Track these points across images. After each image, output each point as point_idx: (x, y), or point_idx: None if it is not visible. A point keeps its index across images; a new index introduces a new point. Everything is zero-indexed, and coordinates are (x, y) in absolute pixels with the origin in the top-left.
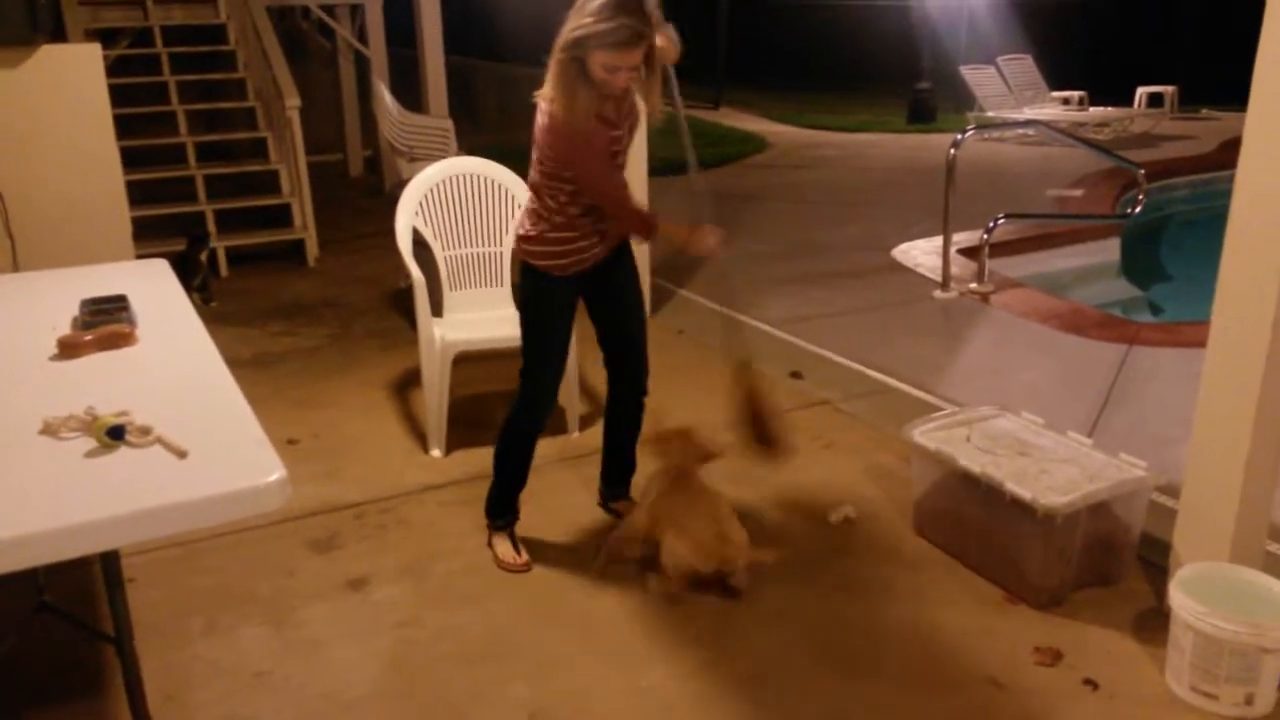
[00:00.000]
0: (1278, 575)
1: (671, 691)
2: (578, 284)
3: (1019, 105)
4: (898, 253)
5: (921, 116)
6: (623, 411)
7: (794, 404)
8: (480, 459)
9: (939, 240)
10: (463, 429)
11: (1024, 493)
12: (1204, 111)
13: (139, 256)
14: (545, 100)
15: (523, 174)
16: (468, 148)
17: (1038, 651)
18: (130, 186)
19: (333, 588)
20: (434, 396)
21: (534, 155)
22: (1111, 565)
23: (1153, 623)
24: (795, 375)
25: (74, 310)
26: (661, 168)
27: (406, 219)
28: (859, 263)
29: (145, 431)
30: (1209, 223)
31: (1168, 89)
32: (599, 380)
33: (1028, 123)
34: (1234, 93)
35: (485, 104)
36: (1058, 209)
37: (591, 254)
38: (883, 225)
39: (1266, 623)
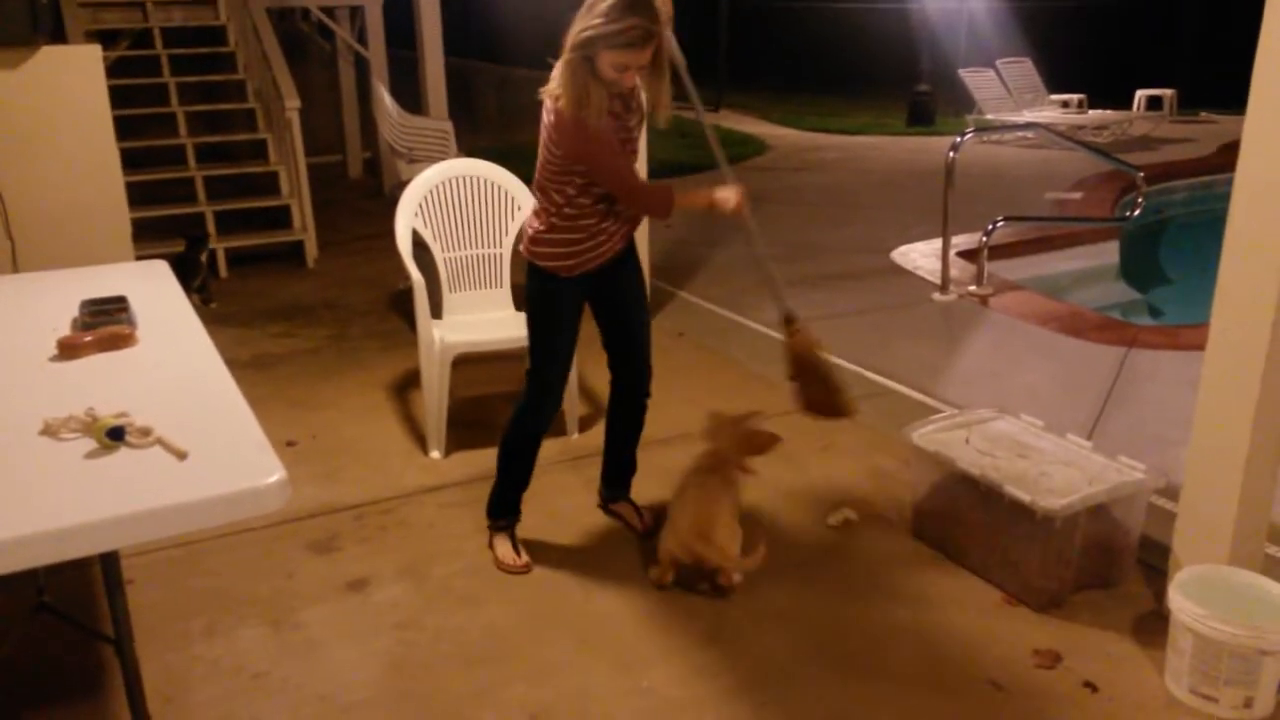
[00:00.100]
0: (1277, 578)
1: (672, 693)
2: (584, 285)
3: (1018, 108)
4: (897, 255)
5: (921, 119)
6: (625, 413)
7: (795, 406)
8: (480, 460)
9: (938, 243)
10: (462, 431)
11: (1023, 495)
12: (1203, 114)
13: (139, 257)
14: (551, 97)
15: (523, 175)
16: (467, 149)
17: (1037, 654)
18: (130, 188)
19: (332, 589)
20: (433, 398)
21: (540, 155)
22: (1111, 568)
23: (1152, 625)
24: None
25: (74, 311)
26: (661, 169)
27: (406, 220)
28: (858, 265)
29: (145, 432)
30: (1208, 225)
31: (1167, 92)
32: (599, 381)
33: (1027, 125)
34: (1233, 96)
35: (485, 106)
36: (1057, 212)
37: (597, 254)
38: (882, 228)
39: (1266, 625)
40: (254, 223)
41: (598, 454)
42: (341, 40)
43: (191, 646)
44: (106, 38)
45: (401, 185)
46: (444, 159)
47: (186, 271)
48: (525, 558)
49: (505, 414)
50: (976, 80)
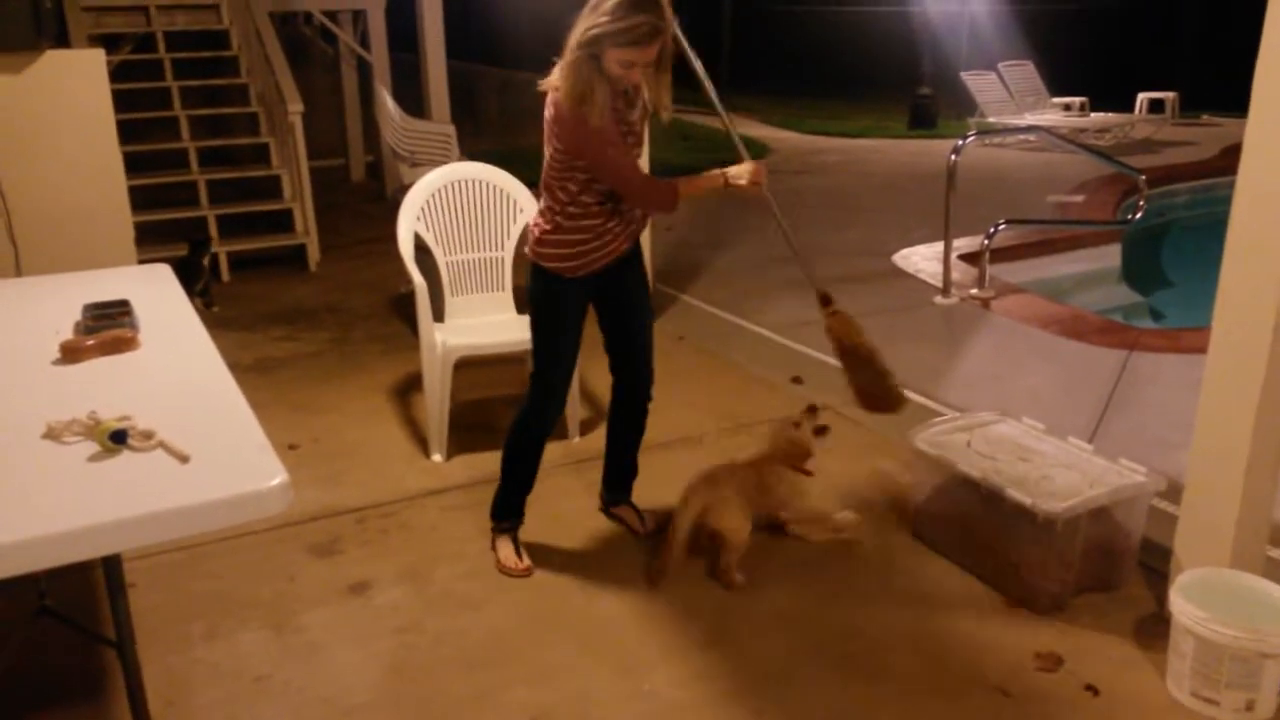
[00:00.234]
0: (1278, 581)
1: (673, 696)
2: (588, 286)
3: (1020, 111)
4: (899, 258)
5: (923, 122)
6: (626, 417)
7: (796, 409)
8: (481, 464)
9: (940, 246)
10: (464, 434)
11: (1024, 498)
12: (1205, 117)
13: (141, 261)
14: (552, 90)
15: (524, 179)
16: (470, 153)
17: (1039, 657)
18: (133, 191)
19: (334, 592)
20: (435, 401)
21: (545, 152)
22: (1112, 571)
23: (1154, 628)
24: (796, 380)
25: (77, 315)
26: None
27: (408, 224)
28: (860, 268)
29: (148, 436)
30: (1210, 228)
31: (1169, 95)
32: (601, 385)
33: (1029, 128)
34: (1235, 99)
35: (487, 109)
36: (1059, 215)
37: (602, 255)
38: (884, 231)
39: (1267, 628)
40: (256, 226)
41: (599, 457)
42: (344, 44)
43: (193, 650)
44: (110, 42)
45: (404, 189)
46: (446, 162)
47: (189, 275)
48: (527, 561)
49: (507, 417)
50: (978, 83)
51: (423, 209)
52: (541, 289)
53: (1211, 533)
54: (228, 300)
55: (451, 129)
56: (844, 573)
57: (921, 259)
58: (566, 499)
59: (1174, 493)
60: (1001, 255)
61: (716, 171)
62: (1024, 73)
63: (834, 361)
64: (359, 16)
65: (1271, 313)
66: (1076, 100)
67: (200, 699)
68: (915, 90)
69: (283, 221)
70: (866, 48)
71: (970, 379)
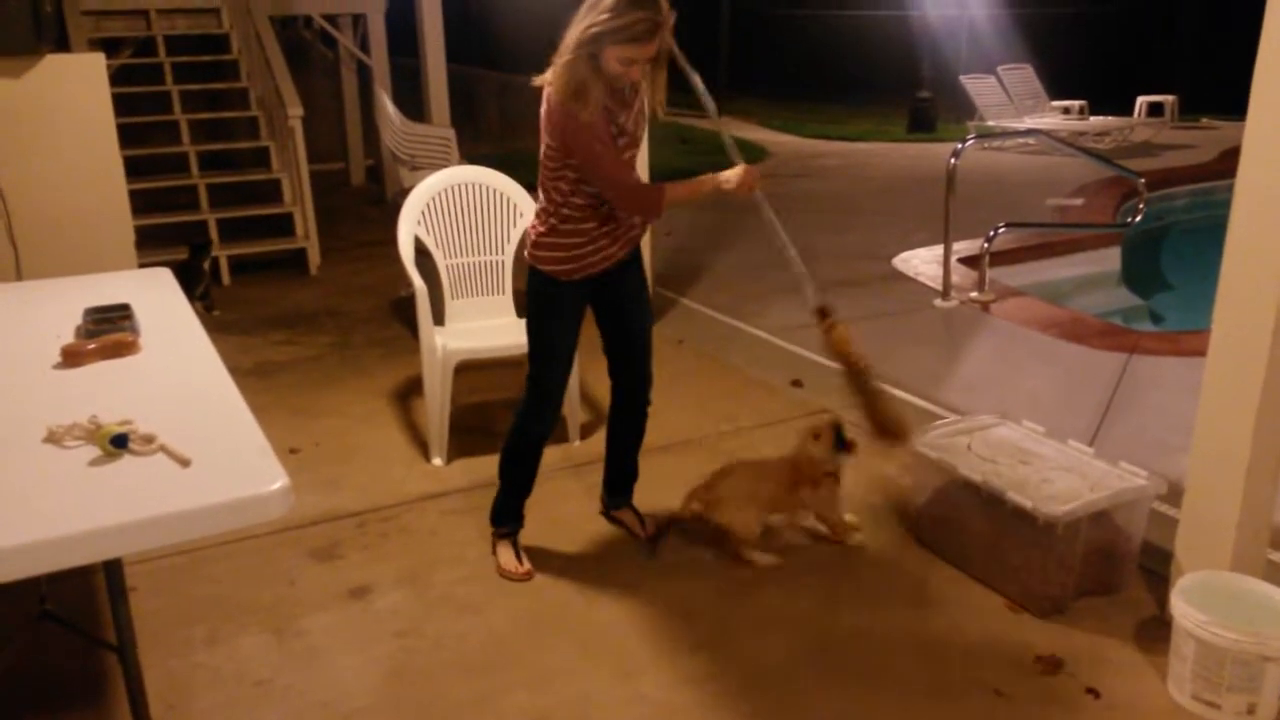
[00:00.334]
0: (1279, 584)
1: (672, 700)
2: (585, 289)
3: (1019, 114)
4: (898, 261)
5: (922, 126)
6: (625, 420)
7: (795, 412)
8: (482, 467)
9: (940, 249)
10: (464, 437)
11: (1025, 502)
12: (1204, 120)
13: (142, 265)
14: (547, 85)
15: (524, 182)
16: (469, 157)
17: (1039, 660)
18: (133, 195)
19: (334, 597)
20: (435, 405)
21: (540, 150)
22: (1113, 574)
23: (1154, 631)
24: (796, 384)
25: (77, 319)
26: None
27: (408, 228)
28: (860, 271)
29: (148, 440)
30: (1209, 231)
31: (1168, 98)
32: (600, 388)
33: (1028, 132)
34: (1234, 102)
35: (487, 113)
36: (1058, 218)
37: (598, 260)
38: (883, 234)
39: (1268, 631)
40: (256, 230)
41: (600, 461)
42: (344, 48)
43: (194, 654)
44: (110, 46)
45: (404, 192)
46: (446, 166)
47: (189, 279)
48: (527, 565)
49: (507, 421)
50: (977, 87)
51: (423, 212)
52: (537, 291)
53: (1212, 536)
54: (228, 304)
55: (451, 133)
56: (844, 575)
57: (921, 262)
58: (567, 502)
59: (1174, 496)
60: (1001, 258)
61: (707, 176)
62: (1023, 76)
63: (833, 365)
64: (359, 20)
65: (1271, 315)
66: (1075, 104)
67: (201, 703)
68: (914, 94)
69: (283, 225)
70: (866, 52)
71: (970, 382)
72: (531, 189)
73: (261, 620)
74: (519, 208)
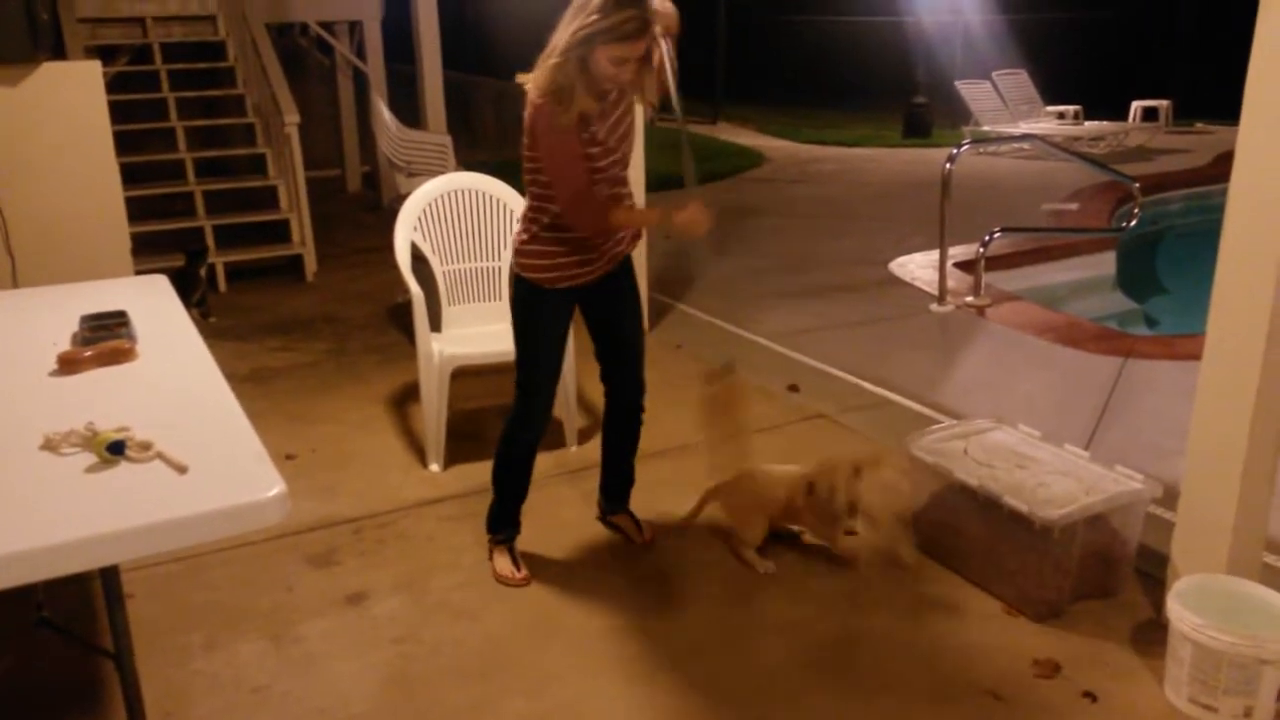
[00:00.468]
0: (1275, 587)
1: (670, 705)
2: (570, 297)
3: (1014, 120)
4: (894, 266)
5: (917, 131)
6: (620, 426)
7: (791, 417)
8: (479, 473)
9: (935, 254)
10: (461, 443)
11: (1021, 505)
12: (1198, 125)
13: (138, 272)
14: (530, 84)
15: (520, 189)
16: (466, 163)
17: (1036, 664)
18: (129, 202)
19: (331, 603)
20: (432, 411)
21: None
22: (1109, 577)
23: (1151, 635)
24: (792, 388)
25: (74, 326)
26: (653, 181)
27: (405, 234)
28: (856, 276)
29: (145, 447)
30: (1204, 235)
31: (1162, 103)
32: (597, 393)
33: (1023, 137)
34: (1228, 106)
35: (483, 119)
36: (1053, 223)
37: (582, 272)
38: (879, 239)
39: (1265, 635)
40: (253, 237)
41: (596, 466)
42: (340, 55)
43: (191, 661)
44: (106, 53)
45: (400, 199)
46: (442, 172)
47: (186, 286)
48: (524, 571)
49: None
50: (972, 92)
51: (419, 219)
52: (522, 298)
53: (1208, 539)
54: (225, 311)
55: (447, 139)
56: (841, 580)
57: (917, 267)
58: (564, 508)
59: (1170, 499)
60: (997, 263)
61: (659, 210)
62: (1018, 81)
63: (830, 369)
64: (355, 27)
65: (1265, 319)
66: (1070, 109)
67: (198, 710)
68: (910, 99)
69: (279, 232)
70: (862, 57)
71: (966, 386)
72: None
73: (259, 627)
74: (516, 214)
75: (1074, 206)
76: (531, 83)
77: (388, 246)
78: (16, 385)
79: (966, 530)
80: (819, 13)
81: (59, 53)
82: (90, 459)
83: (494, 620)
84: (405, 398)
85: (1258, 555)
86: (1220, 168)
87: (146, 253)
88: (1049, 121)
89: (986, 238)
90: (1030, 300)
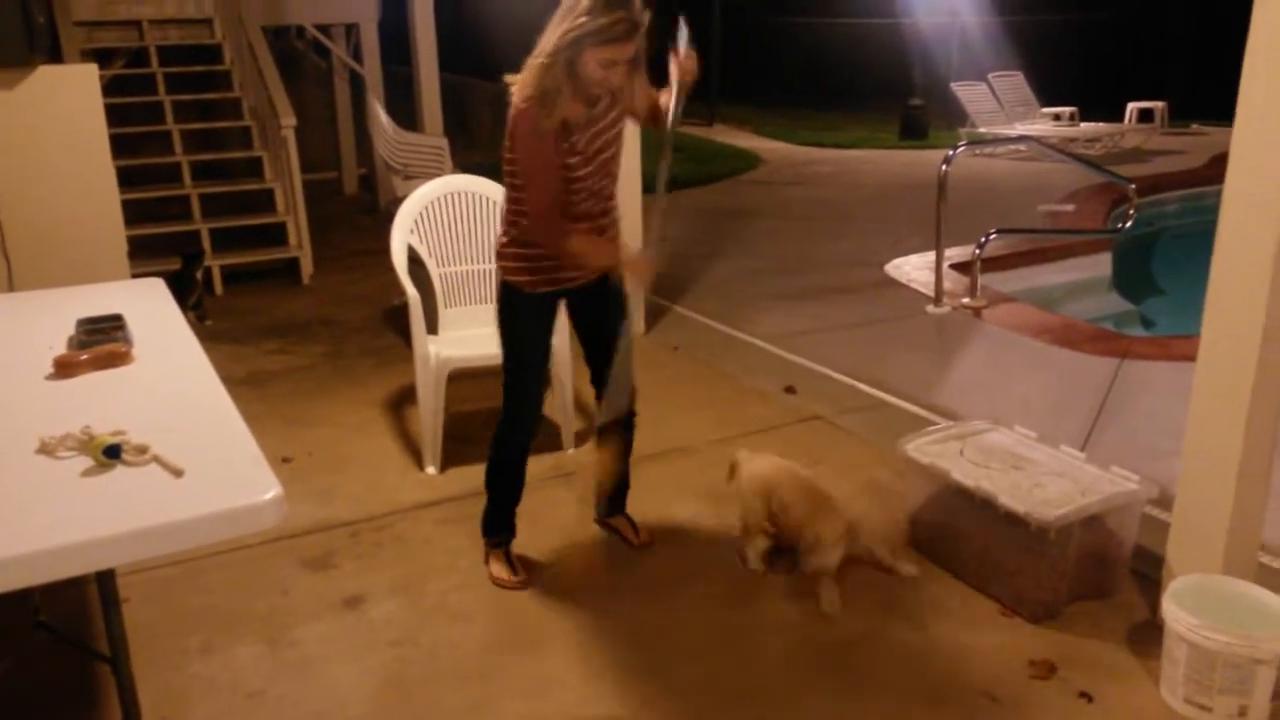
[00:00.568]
0: (1270, 587)
1: (669, 706)
2: (553, 299)
3: (1010, 121)
4: (890, 268)
5: (914, 133)
6: (613, 430)
7: (788, 419)
8: (475, 475)
9: (931, 255)
10: (458, 446)
11: (1017, 506)
12: (1194, 126)
13: (134, 275)
14: (515, 85)
15: None
16: (462, 165)
17: (1032, 664)
18: (126, 205)
19: (328, 606)
20: (429, 414)
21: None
22: (1105, 578)
23: (1146, 635)
24: (789, 390)
25: (70, 330)
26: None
27: (401, 236)
28: (852, 278)
29: (141, 450)
30: (1199, 236)
31: (1158, 104)
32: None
33: (1019, 139)
34: (1224, 108)
35: (479, 122)
36: (1049, 224)
37: (561, 277)
38: (876, 241)
39: (1259, 634)
40: (249, 240)
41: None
42: (337, 58)
43: (188, 665)
44: (102, 56)
45: (397, 201)
46: (439, 175)
47: (182, 289)
48: (521, 574)
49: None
50: (968, 94)
51: (416, 221)
52: (505, 300)
53: (1203, 539)
54: (221, 314)
55: (444, 142)
56: (838, 582)
57: (913, 269)
58: (560, 511)
59: (1166, 500)
60: (993, 264)
61: (614, 252)
62: (1014, 83)
63: (827, 371)
64: (352, 30)
65: (1260, 319)
66: (1066, 110)
67: (195, 714)
68: (906, 101)
69: (276, 235)
70: (858, 59)
71: (962, 387)
72: None
73: (255, 630)
74: None
75: (1070, 208)
76: (516, 85)
77: (384, 249)
78: (12, 389)
79: (963, 531)
80: (815, 15)
81: (55, 56)
82: (86, 462)
83: (490, 623)
84: (402, 400)
85: (1253, 555)
86: (1215, 169)
87: (142, 256)
88: (1045, 123)
89: (983, 239)
90: (1026, 301)
